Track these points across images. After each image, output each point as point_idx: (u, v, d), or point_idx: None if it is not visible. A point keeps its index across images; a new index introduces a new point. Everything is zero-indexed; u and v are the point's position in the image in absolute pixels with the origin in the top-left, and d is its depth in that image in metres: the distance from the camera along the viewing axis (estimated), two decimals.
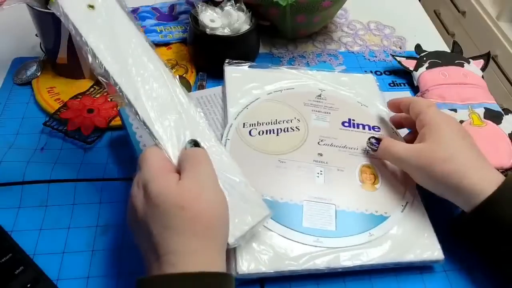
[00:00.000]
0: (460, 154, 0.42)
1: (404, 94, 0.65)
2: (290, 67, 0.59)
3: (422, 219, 0.45)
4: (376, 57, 0.71)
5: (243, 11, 0.62)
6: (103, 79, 0.40)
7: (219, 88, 0.57)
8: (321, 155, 0.49)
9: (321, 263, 0.41)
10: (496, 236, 0.40)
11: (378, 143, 0.48)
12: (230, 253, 0.41)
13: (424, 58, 0.67)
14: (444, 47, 0.74)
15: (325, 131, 0.51)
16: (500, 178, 0.41)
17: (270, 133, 0.50)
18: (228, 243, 0.37)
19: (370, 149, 0.49)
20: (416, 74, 0.65)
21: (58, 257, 0.43)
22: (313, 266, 0.41)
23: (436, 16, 1.61)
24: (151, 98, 0.40)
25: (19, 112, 0.57)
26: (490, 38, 1.37)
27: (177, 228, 0.33)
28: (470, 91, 0.61)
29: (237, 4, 0.61)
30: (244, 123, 0.51)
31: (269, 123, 0.51)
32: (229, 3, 0.61)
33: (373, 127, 0.53)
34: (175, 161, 0.38)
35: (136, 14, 0.73)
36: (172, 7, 0.75)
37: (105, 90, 0.59)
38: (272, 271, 0.40)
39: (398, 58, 0.68)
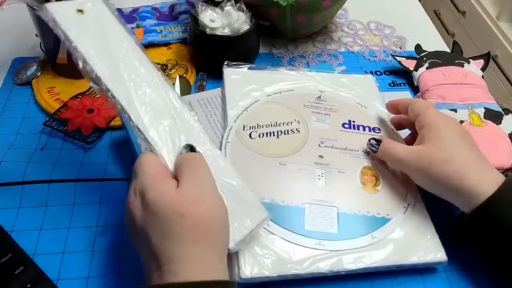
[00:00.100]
0: (460, 155, 0.42)
1: (404, 94, 0.65)
2: (289, 68, 0.59)
3: (424, 221, 0.45)
4: (376, 57, 0.71)
5: (243, 11, 0.62)
6: (95, 85, 0.39)
7: (219, 89, 0.57)
8: (321, 157, 0.49)
9: (324, 266, 0.41)
10: (496, 237, 0.40)
11: (378, 144, 0.48)
12: (233, 258, 0.40)
13: (424, 58, 0.67)
14: (444, 47, 0.74)
15: (326, 133, 0.51)
16: (500, 179, 0.41)
17: (270, 135, 0.50)
18: (228, 248, 0.37)
19: (370, 150, 0.49)
20: (416, 74, 0.65)
21: (58, 257, 0.43)
22: (317, 270, 0.41)
23: (436, 16, 1.61)
24: (144, 103, 0.39)
25: (19, 112, 0.57)
26: (490, 38, 1.37)
27: (178, 236, 0.33)
28: (470, 91, 0.61)
29: (237, 4, 0.61)
30: (244, 126, 0.51)
31: (269, 125, 0.51)
32: (229, 3, 0.61)
33: (373, 129, 0.53)
34: (171, 166, 0.38)
35: (136, 14, 0.73)
36: (172, 7, 0.75)
37: None
38: (275, 275, 0.40)
39: (398, 58, 0.67)
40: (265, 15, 0.65)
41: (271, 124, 0.51)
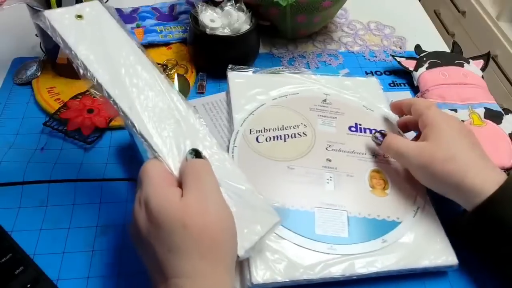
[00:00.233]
0: (462, 153, 0.42)
1: (404, 94, 0.65)
2: (293, 71, 0.59)
3: (434, 224, 0.45)
4: (376, 57, 0.71)
5: (243, 11, 0.62)
6: (96, 92, 0.38)
7: (224, 94, 0.57)
8: (329, 160, 0.48)
9: (336, 271, 0.40)
10: (497, 236, 0.40)
11: (383, 138, 0.48)
12: (243, 263, 0.40)
13: (424, 58, 0.67)
14: (444, 47, 0.74)
15: (332, 136, 0.51)
16: (502, 178, 0.41)
17: (277, 139, 0.50)
18: (238, 256, 0.35)
19: (374, 143, 0.49)
20: (416, 74, 0.65)
21: (58, 257, 0.43)
22: (329, 275, 0.40)
23: (436, 16, 1.61)
24: (148, 108, 0.38)
25: (19, 112, 0.57)
26: (490, 38, 1.37)
27: (183, 250, 0.32)
28: (470, 91, 0.61)
29: (237, 4, 0.61)
30: (250, 130, 0.50)
31: (275, 129, 0.51)
32: (229, 3, 0.61)
33: (380, 131, 0.52)
34: (176, 173, 0.36)
35: (136, 14, 0.73)
36: (172, 7, 0.75)
37: None
38: (287, 280, 0.39)
39: (398, 58, 0.68)
40: (265, 15, 0.65)
41: (278, 128, 0.51)
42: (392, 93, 0.65)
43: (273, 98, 0.54)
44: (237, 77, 0.56)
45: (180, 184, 0.36)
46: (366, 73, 0.68)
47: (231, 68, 0.57)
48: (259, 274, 0.39)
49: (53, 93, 0.59)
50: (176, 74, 0.61)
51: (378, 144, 0.48)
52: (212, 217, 0.33)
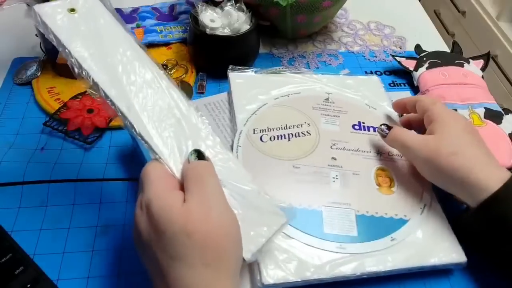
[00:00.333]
0: (467, 149, 0.42)
1: (404, 94, 0.65)
2: (294, 71, 0.59)
3: (442, 221, 0.45)
4: (376, 57, 0.71)
5: (243, 11, 0.62)
6: (93, 91, 0.36)
7: (225, 94, 0.57)
8: (335, 159, 0.48)
9: (347, 270, 0.40)
10: (501, 234, 0.40)
11: (389, 130, 0.48)
12: (253, 264, 0.39)
13: (424, 58, 0.67)
14: (444, 47, 0.74)
15: (336, 135, 0.51)
16: (507, 175, 0.41)
17: (281, 138, 0.49)
18: (244, 259, 0.34)
19: (380, 135, 0.49)
20: (416, 74, 0.65)
21: (58, 257, 0.43)
22: (340, 274, 0.40)
23: (436, 16, 1.61)
24: (147, 108, 0.36)
25: (19, 112, 0.57)
26: (490, 38, 1.37)
27: (186, 258, 0.31)
28: (470, 91, 0.61)
29: (237, 4, 0.61)
30: (254, 129, 0.50)
31: (279, 128, 0.50)
32: (229, 3, 0.61)
33: (386, 124, 0.52)
34: (178, 175, 0.35)
35: (136, 14, 0.73)
36: (172, 7, 0.75)
37: None
38: (299, 280, 0.39)
39: (398, 58, 0.67)
40: (265, 15, 0.65)
41: (282, 127, 0.51)
42: (392, 93, 0.64)
43: (275, 97, 0.54)
44: (238, 78, 0.56)
45: (182, 187, 0.35)
46: (366, 73, 0.68)
47: (231, 69, 0.57)
48: (270, 274, 0.38)
49: (53, 93, 0.59)
50: (180, 81, 0.61)
51: (384, 136, 0.48)
52: (215, 223, 0.32)
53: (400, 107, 0.52)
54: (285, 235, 0.41)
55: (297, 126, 0.51)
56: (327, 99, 0.55)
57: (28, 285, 0.40)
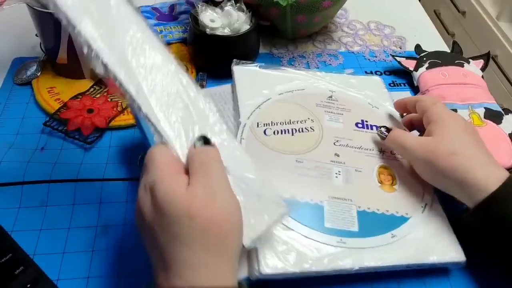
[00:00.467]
0: (466, 149, 0.42)
1: (404, 94, 0.65)
2: (297, 68, 0.59)
3: (442, 221, 0.45)
4: (376, 57, 0.71)
5: (243, 11, 0.62)
6: (101, 73, 0.36)
7: (230, 86, 0.57)
8: (337, 155, 0.48)
9: (345, 264, 0.40)
10: (499, 234, 0.40)
11: (388, 132, 0.48)
12: (252, 253, 0.39)
13: (424, 58, 0.67)
14: (444, 47, 0.74)
15: (340, 132, 0.51)
16: (505, 175, 0.41)
17: (285, 133, 0.50)
18: (243, 245, 0.34)
19: (379, 137, 0.49)
20: (416, 74, 0.65)
21: (58, 257, 0.43)
22: (338, 267, 0.40)
23: (436, 16, 1.61)
24: (155, 91, 0.36)
25: (19, 112, 0.57)
26: (490, 38, 1.37)
27: (187, 240, 0.31)
28: (470, 91, 0.61)
29: (237, 4, 0.61)
30: (258, 123, 0.50)
31: (283, 123, 0.51)
32: (229, 3, 0.61)
33: (385, 126, 0.53)
34: (184, 159, 0.35)
35: None
36: (172, 7, 0.75)
37: (105, 90, 0.59)
38: (298, 271, 0.39)
39: (398, 58, 0.68)
40: (265, 15, 0.65)
41: (285, 122, 0.51)
42: (392, 93, 0.64)
43: (279, 93, 0.55)
44: (242, 72, 0.56)
45: (187, 171, 0.35)
46: (366, 73, 0.68)
47: (236, 63, 0.57)
48: (268, 264, 0.39)
49: (53, 93, 0.59)
50: None
51: (383, 138, 0.49)
52: (218, 208, 0.32)
53: (401, 107, 0.53)
54: (286, 227, 0.41)
55: (301, 122, 0.51)
56: (331, 96, 0.55)
57: (28, 285, 0.40)
